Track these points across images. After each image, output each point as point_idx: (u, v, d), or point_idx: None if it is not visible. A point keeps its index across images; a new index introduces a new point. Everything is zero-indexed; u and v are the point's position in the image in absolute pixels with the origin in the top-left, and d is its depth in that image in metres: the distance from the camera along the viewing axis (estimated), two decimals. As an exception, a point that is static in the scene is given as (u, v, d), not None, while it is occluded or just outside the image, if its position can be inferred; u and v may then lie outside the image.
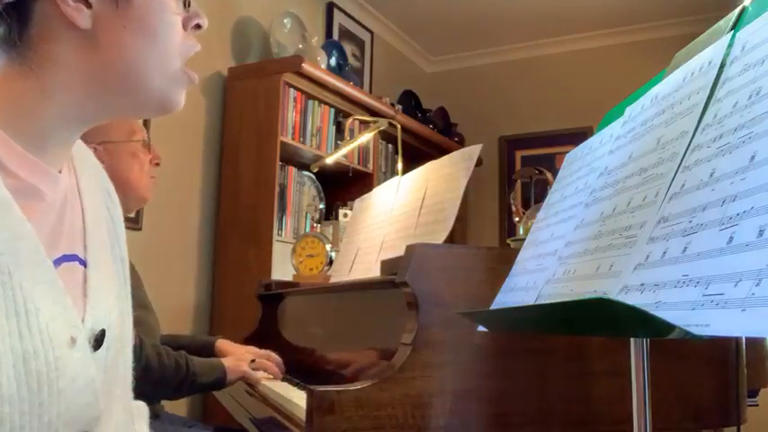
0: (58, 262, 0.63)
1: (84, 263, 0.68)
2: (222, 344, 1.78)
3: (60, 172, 0.67)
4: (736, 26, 0.75)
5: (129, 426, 0.80)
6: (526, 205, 2.07)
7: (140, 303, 1.51)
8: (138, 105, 0.68)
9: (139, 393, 1.54)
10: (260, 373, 1.61)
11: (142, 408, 0.88)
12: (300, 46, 3.03)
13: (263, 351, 1.68)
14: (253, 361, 1.62)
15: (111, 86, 0.65)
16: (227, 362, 1.58)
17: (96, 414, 0.62)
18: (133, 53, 0.65)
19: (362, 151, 3.36)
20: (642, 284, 0.64)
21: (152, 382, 1.43)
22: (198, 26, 0.71)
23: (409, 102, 4.21)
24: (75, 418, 0.60)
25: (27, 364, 0.55)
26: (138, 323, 1.44)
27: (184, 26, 0.69)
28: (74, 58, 0.63)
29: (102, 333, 0.65)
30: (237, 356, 1.64)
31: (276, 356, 1.67)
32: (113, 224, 0.78)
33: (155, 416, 1.49)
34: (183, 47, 0.68)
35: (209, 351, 1.75)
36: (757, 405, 1.45)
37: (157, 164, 1.66)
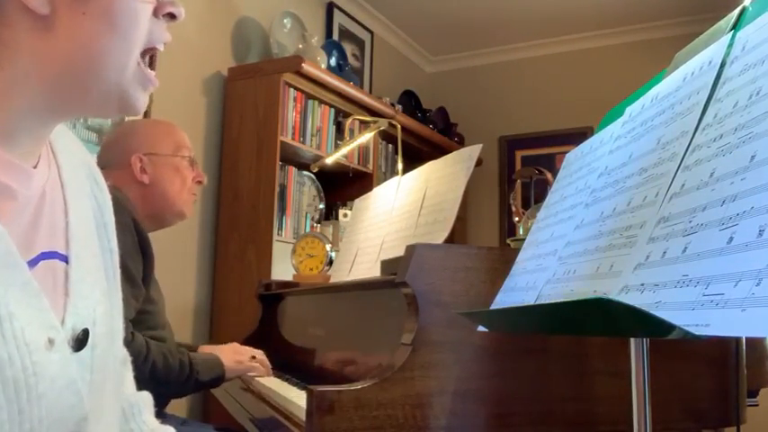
0: (34, 261, 0.61)
1: (65, 259, 0.65)
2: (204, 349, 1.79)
3: (36, 167, 0.64)
4: (736, 26, 0.75)
5: (131, 420, 0.79)
6: (526, 205, 2.07)
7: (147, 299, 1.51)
8: (99, 100, 0.64)
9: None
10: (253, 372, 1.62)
11: (146, 398, 0.86)
12: (300, 46, 3.03)
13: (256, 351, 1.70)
14: (253, 357, 1.65)
15: (72, 76, 0.61)
16: (224, 359, 1.60)
17: (83, 415, 0.60)
18: (92, 41, 0.60)
19: (362, 151, 3.36)
20: (642, 284, 0.64)
21: (158, 383, 1.45)
22: (171, 15, 0.66)
23: (409, 102, 4.21)
24: (58, 422, 0.58)
25: (3, 371, 0.53)
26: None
27: (156, 13, 0.65)
28: (32, 45, 0.59)
29: (85, 333, 0.62)
30: (235, 350, 1.66)
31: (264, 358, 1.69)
32: (101, 213, 0.74)
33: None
34: (150, 35, 0.64)
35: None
36: (757, 405, 1.45)
37: (200, 182, 1.66)
